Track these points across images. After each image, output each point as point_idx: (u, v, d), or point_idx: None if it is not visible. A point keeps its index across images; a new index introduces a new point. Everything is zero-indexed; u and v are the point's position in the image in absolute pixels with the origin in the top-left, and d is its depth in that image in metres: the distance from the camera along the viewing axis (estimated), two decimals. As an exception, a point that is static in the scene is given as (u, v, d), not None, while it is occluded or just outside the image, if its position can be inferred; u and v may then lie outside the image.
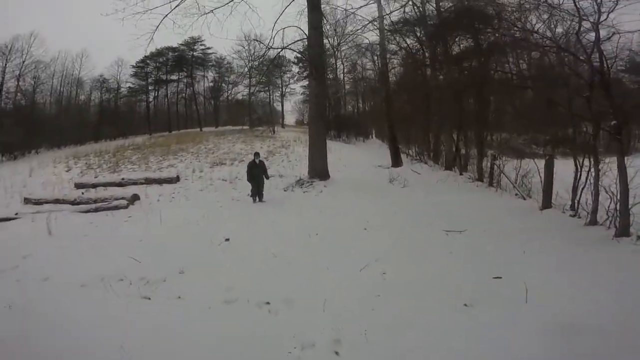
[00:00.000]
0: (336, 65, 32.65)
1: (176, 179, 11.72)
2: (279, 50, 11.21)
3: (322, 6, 11.03)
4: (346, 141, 25.88)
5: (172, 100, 35.96)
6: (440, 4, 13.22)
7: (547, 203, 6.55)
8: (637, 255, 4.01)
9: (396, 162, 14.48)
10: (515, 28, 5.91)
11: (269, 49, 10.98)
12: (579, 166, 6.30)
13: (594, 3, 5.04)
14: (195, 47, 34.76)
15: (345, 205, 7.51)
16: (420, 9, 14.26)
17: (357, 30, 15.90)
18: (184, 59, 34.79)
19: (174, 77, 35.19)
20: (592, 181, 5.62)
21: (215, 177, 12.51)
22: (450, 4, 12.88)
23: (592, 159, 5.57)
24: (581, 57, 5.38)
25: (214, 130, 30.30)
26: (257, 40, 10.82)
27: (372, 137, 31.05)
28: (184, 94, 35.87)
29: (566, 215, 6.06)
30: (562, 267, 3.82)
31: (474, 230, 5.36)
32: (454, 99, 11.81)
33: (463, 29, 11.76)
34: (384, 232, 5.51)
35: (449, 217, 6.18)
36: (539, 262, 4.01)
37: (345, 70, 33.33)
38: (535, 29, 6.58)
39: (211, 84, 36.36)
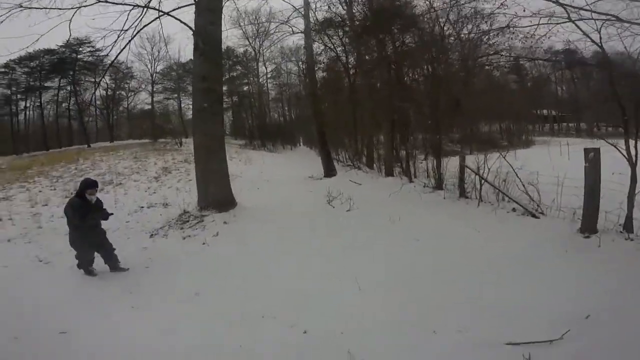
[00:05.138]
0: (258, 70, 29.00)
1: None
2: (158, 15, 6.93)
3: None
4: (271, 150, 22.00)
5: (52, 112, 27.84)
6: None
7: (592, 224, 3.65)
8: None
9: (329, 170, 11.24)
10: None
11: (146, 8, 6.70)
12: (633, 157, 3.54)
13: None
14: (81, 49, 27.34)
15: (255, 270, 3.64)
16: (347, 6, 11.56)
17: (282, 23, 12.99)
18: (65, 63, 27.07)
19: (51, 84, 27.19)
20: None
21: (60, 213, 7.56)
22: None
23: None
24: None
25: (107, 145, 23.61)
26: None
27: (300, 145, 27.90)
28: (67, 105, 27.97)
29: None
30: None
31: (572, 334, 2.00)
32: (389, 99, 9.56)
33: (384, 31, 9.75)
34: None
35: (466, 285, 2.83)
36: None
37: (269, 75, 29.85)
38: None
39: (104, 92, 29.13)
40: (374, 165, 11.93)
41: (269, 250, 4.17)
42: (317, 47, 14.42)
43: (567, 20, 3.54)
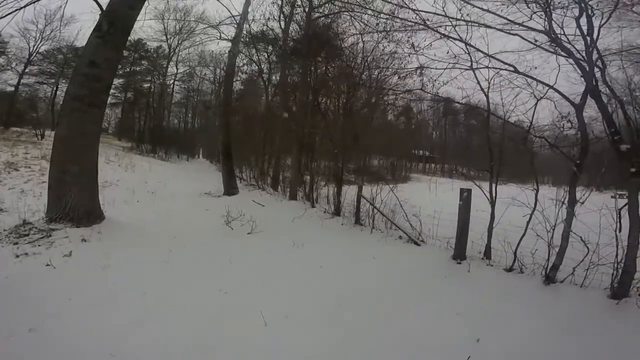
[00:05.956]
0: (167, 69, 26.01)
1: None
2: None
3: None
4: (163, 158, 19.58)
5: None
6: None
7: (462, 251, 4.21)
8: None
9: (231, 188, 10.48)
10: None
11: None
12: (493, 197, 4.30)
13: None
14: None
15: (125, 302, 2.82)
16: (284, 24, 11.50)
17: (211, 26, 12.04)
18: None
19: None
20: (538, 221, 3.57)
21: None
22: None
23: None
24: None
25: None
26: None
27: (199, 157, 25.75)
28: None
29: (499, 270, 3.75)
30: None
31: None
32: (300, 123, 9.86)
33: (312, 56, 10.14)
34: None
35: (371, 317, 2.78)
36: None
37: (179, 77, 27.06)
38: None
39: None
40: (279, 187, 11.76)
41: (146, 278, 3.35)
42: (242, 58, 14.00)
43: (469, 68, 4.06)
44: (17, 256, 3.60)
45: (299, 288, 3.27)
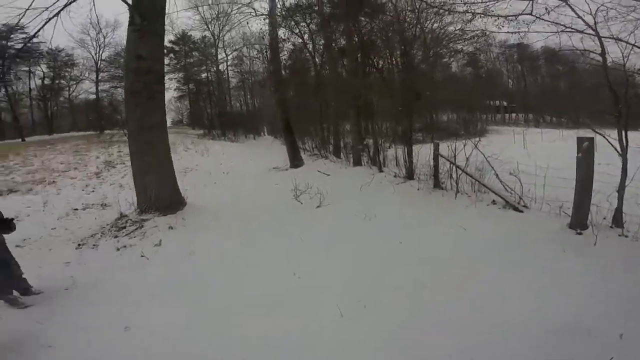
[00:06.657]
0: (217, 56, 27.24)
1: None
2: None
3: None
4: (232, 140, 20.69)
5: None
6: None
7: (582, 220, 3.27)
8: None
9: (296, 160, 10.51)
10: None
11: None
12: (623, 147, 3.24)
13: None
14: (12, 36, 23.63)
15: (208, 292, 2.84)
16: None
17: (244, 5, 11.74)
18: (-9, 52, 23.64)
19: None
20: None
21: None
22: None
23: None
24: None
25: (45, 139, 20.91)
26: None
27: (264, 135, 26.76)
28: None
29: (638, 243, 2.84)
30: None
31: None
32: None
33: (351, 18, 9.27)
34: None
35: (472, 302, 2.31)
36: None
37: (230, 62, 28.19)
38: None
39: (40, 82, 26.03)
40: (341, 154, 11.42)
41: (225, 264, 3.37)
42: (283, 33, 13.71)
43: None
44: (118, 249, 3.95)
45: (376, 271, 2.88)
